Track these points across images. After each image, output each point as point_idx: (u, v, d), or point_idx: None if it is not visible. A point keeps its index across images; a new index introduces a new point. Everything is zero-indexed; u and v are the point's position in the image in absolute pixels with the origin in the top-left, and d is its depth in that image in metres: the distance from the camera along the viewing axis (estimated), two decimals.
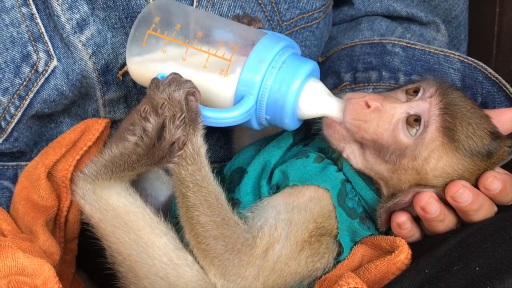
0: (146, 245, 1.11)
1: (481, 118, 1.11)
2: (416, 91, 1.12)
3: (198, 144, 1.08)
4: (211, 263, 1.09)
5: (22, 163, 1.33)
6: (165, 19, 1.13)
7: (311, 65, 1.11)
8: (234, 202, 1.16)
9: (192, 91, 1.07)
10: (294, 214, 1.10)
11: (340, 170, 1.14)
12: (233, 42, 1.11)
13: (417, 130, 1.09)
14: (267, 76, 1.09)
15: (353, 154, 1.12)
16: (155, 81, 1.08)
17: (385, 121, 1.09)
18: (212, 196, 1.08)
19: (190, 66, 1.11)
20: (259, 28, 1.21)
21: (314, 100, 1.10)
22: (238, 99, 1.09)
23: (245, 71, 1.09)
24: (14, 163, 1.33)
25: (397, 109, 1.09)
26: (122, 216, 1.12)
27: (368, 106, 1.09)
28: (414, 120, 1.09)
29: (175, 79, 1.07)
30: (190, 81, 1.08)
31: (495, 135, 1.11)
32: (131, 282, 1.13)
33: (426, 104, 1.09)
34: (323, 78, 1.46)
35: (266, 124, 1.13)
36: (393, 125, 1.09)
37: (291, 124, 1.11)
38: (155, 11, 1.14)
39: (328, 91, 1.12)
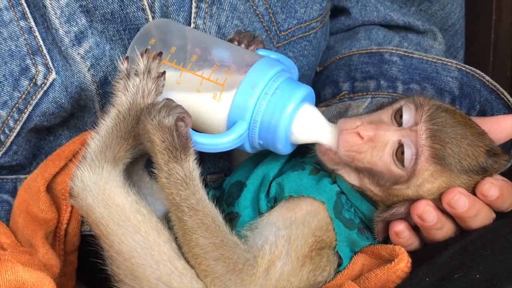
0: (151, 248, 1.09)
1: (474, 137, 1.09)
2: (401, 115, 1.11)
3: (190, 168, 1.08)
4: (212, 283, 1.08)
5: (22, 176, 1.33)
6: (161, 41, 1.14)
7: (305, 90, 1.11)
8: (234, 216, 1.16)
9: (182, 116, 1.08)
10: (293, 229, 1.10)
11: (334, 182, 1.14)
12: (227, 67, 1.11)
13: (407, 162, 1.07)
14: (260, 101, 1.09)
15: (347, 174, 1.13)
16: (148, 107, 1.09)
17: (379, 151, 1.09)
18: (209, 218, 1.08)
19: (184, 90, 1.12)
20: (260, 48, 1.21)
21: (308, 126, 1.10)
22: (231, 124, 1.10)
23: (238, 97, 1.09)
24: (14, 176, 1.33)
25: (390, 136, 1.09)
26: (128, 215, 1.11)
27: (361, 137, 1.08)
28: (401, 154, 1.08)
29: (166, 105, 1.08)
30: (180, 106, 1.08)
31: (491, 152, 1.10)
32: (129, 285, 1.12)
33: (413, 134, 1.08)
34: (321, 88, 1.47)
35: (259, 148, 1.13)
36: (386, 155, 1.08)
37: (284, 149, 1.11)
38: (152, 32, 1.16)
39: (322, 117, 1.12)
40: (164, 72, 1.12)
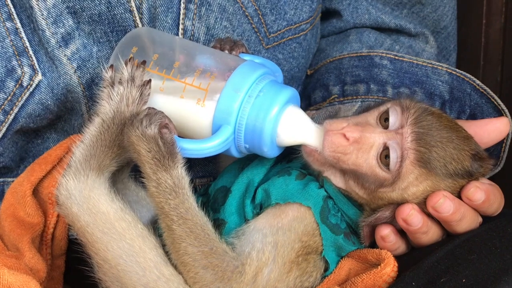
0: (137, 255, 1.09)
1: (460, 140, 1.09)
2: (387, 118, 1.10)
3: (179, 176, 1.08)
4: None
5: (9, 179, 1.32)
6: (143, 49, 1.14)
7: (289, 92, 1.10)
8: (220, 223, 1.15)
9: (164, 122, 1.07)
10: (279, 235, 1.09)
11: (321, 186, 1.13)
12: (209, 72, 1.11)
13: (392, 165, 1.07)
14: (244, 105, 1.08)
15: (333, 176, 1.12)
16: (131, 118, 1.08)
17: (364, 152, 1.08)
18: (198, 227, 1.08)
19: (168, 96, 1.12)
20: (242, 52, 1.21)
21: (293, 127, 1.10)
22: (216, 129, 1.10)
23: (222, 101, 1.09)
24: (1, 179, 1.33)
25: (376, 138, 1.08)
26: (113, 222, 1.10)
27: (347, 139, 1.08)
28: (385, 157, 1.07)
29: (148, 114, 1.08)
30: (160, 112, 1.08)
31: (477, 156, 1.10)
32: None
33: (398, 137, 1.07)
34: (312, 91, 1.47)
35: (246, 152, 1.13)
36: (371, 157, 1.08)
37: (270, 152, 1.11)
38: (134, 41, 1.16)
39: (307, 118, 1.12)
40: (149, 81, 1.12)
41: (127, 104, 1.12)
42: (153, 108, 1.09)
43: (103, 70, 1.14)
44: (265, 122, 1.08)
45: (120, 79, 1.13)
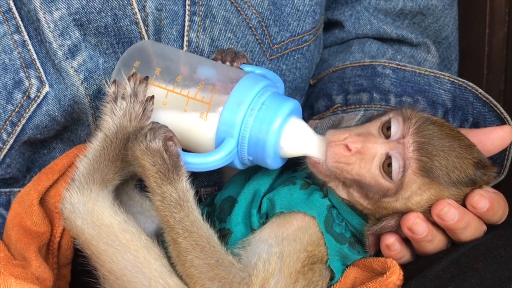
0: (142, 266, 1.09)
1: (462, 149, 1.09)
2: (390, 128, 1.11)
3: (184, 189, 1.08)
4: None
5: (15, 189, 1.33)
6: (145, 63, 1.15)
7: (291, 104, 1.11)
8: (226, 232, 1.15)
9: (169, 135, 1.08)
10: (285, 246, 1.10)
11: (325, 196, 1.14)
12: (212, 85, 1.12)
13: (395, 175, 1.07)
14: (247, 118, 1.09)
15: (338, 186, 1.12)
16: (134, 133, 1.09)
17: (367, 163, 1.08)
18: (204, 239, 1.08)
19: (171, 110, 1.12)
20: (244, 63, 1.22)
21: (296, 139, 1.10)
22: (219, 142, 1.10)
23: (225, 114, 1.09)
24: (7, 190, 1.33)
25: (378, 149, 1.08)
26: (117, 234, 1.11)
27: (349, 149, 1.08)
28: (388, 166, 1.08)
29: (152, 128, 1.08)
30: (164, 126, 1.09)
31: (480, 164, 1.10)
32: None
33: (401, 147, 1.08)
34: (315, 100, 1.47)
35: (249, 164, 1.13)
36: (374, 167, 1.08)
37: (273, 164, 1.12)
38: (136, 55, 1.16)
39: (310, 129, 1.12)
40: (152, 97, 1.12)
41: (130, 119, 1.12)
42: (156, 122, 1.10)
43: (106, 85, 1.15)
44: (268, 134, 1.09)
45: (123, 94, 1.13)
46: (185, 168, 1.08)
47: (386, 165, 1.08)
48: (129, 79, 1.13)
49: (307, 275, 1.10)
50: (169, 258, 1.11)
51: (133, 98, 1.12)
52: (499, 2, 1.65)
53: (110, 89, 1.15)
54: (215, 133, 1.10)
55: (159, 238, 1.14)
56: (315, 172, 1.13)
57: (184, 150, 1.11)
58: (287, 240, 1.10)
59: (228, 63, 1.22)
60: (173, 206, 1.07)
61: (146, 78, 1.13)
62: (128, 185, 1.22)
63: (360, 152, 1.08)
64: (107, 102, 1.15)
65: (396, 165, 1.07)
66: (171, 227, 1.08)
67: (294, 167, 1.18)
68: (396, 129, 1.10)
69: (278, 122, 1.09)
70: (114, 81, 1.15)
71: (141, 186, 1.19)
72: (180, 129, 1.11)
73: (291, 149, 1.11)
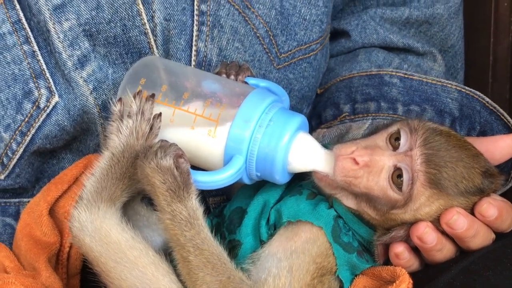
0: (151, 282, 1.09)
1: (469, 159, 1.09)
2: (397, 138, 1.11)
3: (194, 207, 1.08)
4: None
5: (24, 200, 1.33)
6: (151, 80, 1.15)
7: (298, 120, 1.12)
8: (235, 244, 1.15)
9: (180, 153, 1.08)
10: (294, 259, 1.09)
11: (331, 206, 1.14)
12: (219, 102, 1.12)
13: (404, 186, 1.07)
14: (255, 134, 1.09)
15: (345, 198, 1.12)
16: (144, 151, 1.09)
17: (375, 175, 1.08)
18: (214, 257, 1.07)
19: (178, 128, 1.12)
20: (248, 76, 1.22)
21: (304, 154, 1.11)
22: (227, 159, 1.10)
23: (233, 131, 1.10)
24: (17, 200, 1.34)
25: (385, 161, 1.09)
26: (125, 251, 1.11)
27: (357, 163, 1.09)
28: (397, 177, 1.08)
29: (162, 146, 1.08)
30: (174, 144, 1.09)
31: (488, 173, 1.10)
32: None
33: (408, 159, 1.08)
34: (322, 109, 1.48)
35: (257, 179, 1.14)
36: (382, 180, 1.08)
37: (282, 179, 1.12)
38: (141, 71, 1.16)
39: (317, 144, 1.12)
40: (160, 114, 1.12)
41: (136, 137, 1.13)
42: (166, 141, 1.09)
43: (112, 104, 1.15)
44: (276, 150, 1.09)
45: (129, 112, 1.13)
46: (194, 186, 1.08)
47: (396, 176, 1.08)
48: (134, 97, 1.13)
49: (316, 287, 1.10)
50: (177, 274, 1.11)
51: (139, 116, 1.12)
52: (503, 12, 1.65)
53: (116, 108, 1.14)
54: (223, 150, 1.10)
55: (167, 252, 1.13)
56: (322, 186, 1.13)
57: (192, 167, 1.11)
58: (295, 253, 1.10)
59: (233, 77, 1.22)
60: (184, 224, 1.07)
61: (153, 95, 1.13)
62: (135, 200, 1.22)
63: (368, 165, 1.09)
64: (113, 121, 1.15)
65: (405, 178, 1.07)
66: (182, 245, 1.08)
67: (302, 177, 1.19)
68: (404, 141, 1.10)
69: (286, 138, 1.09)
70: (120, 99, 1.15)
71: (148, 199, 1.19)
72: (188, 147, 1.11)
73: (299, 165, 1.11)
